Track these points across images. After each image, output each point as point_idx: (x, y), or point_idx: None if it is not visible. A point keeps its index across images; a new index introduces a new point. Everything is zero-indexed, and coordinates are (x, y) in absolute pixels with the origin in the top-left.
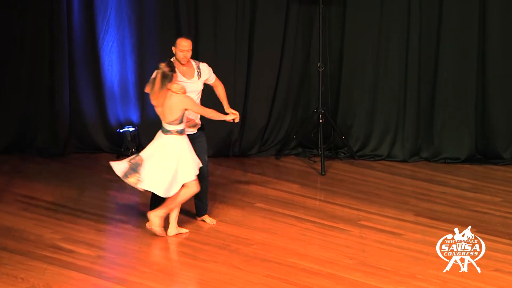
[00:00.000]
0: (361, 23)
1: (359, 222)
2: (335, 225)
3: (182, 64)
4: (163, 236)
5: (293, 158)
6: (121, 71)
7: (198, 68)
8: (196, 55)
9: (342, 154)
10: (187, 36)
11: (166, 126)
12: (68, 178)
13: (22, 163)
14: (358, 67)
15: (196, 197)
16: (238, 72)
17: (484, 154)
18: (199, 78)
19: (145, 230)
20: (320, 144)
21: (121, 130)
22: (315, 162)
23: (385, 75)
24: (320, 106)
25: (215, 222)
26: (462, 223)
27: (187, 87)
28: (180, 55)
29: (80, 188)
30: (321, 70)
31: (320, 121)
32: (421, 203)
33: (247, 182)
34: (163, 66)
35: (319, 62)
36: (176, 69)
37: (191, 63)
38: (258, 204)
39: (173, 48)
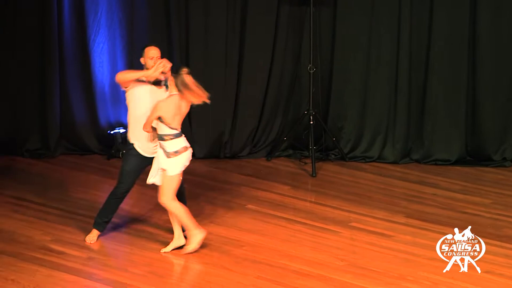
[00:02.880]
0: (351, 24)
1: (349, 224)
2: (325, 226)
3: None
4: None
5: (284, 159)
6: (112, 72)
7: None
8: (187, 57)
9: (332, 156)
10: (156, 44)
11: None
12: (58, 180)
13: (13, 164)
14: (349, 68)
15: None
16: (229, 74)
17: (474, 156)
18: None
19: (136, 232)
20: (311, 146)
21: (111, 132)
22: (305, 163)
23: (375, 77)
24: (311, 108)
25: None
26: (452, 225)
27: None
28: (150, 63)
29: (71, 189)
30: (311, 71)
31: (311, 122)
32: (411, 205)
33: (238, 184)
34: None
35: (310, 63)
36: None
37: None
38: (248, 206)
39: (141, 59)
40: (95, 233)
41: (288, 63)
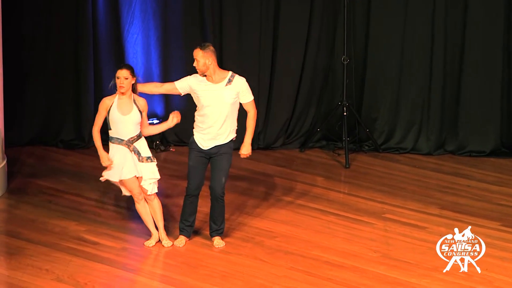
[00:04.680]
0: (386, 16)
1: (383, 215)
2: (359, 218)
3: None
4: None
5: (317, 151)
6: (145, 63)
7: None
8: (220, 49)
9: (366, 147)
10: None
11: None
12: (92, 170)
13: (47, 155)
14: (383, 60)
15: (211, 217)
16: (263, 65)
17: (509, 148)
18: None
19: (169, 222)
20: (345, 137)
21: None
22: (339, 155)
23: (410, 68)
24: (344, 99)
25: (223, 245)
26: (486, 216)
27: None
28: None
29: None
30: (345, 63)
31: (345, 114)
32: (445, 196)
33: (271, 175)
34: None
35: (344, 55)
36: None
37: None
38: (282, 197)
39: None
40: (182, 238)
41: (321, 54)
